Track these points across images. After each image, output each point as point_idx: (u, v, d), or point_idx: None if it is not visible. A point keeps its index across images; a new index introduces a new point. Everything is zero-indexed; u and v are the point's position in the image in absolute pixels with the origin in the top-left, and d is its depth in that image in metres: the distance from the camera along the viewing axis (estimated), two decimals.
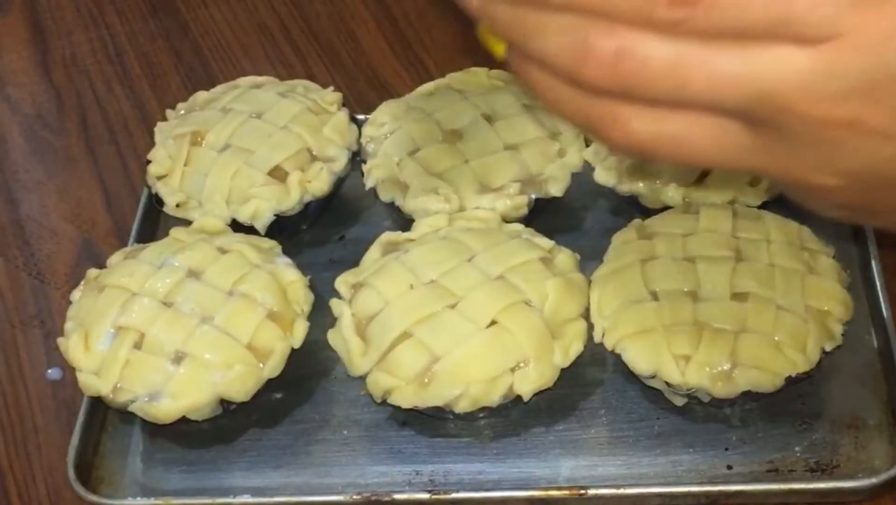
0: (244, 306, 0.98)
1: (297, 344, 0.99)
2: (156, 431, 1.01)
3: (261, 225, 1.09)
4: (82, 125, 1.37)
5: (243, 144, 1.10)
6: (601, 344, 0.96)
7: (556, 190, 1.07)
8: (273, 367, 0.97)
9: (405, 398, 0.93)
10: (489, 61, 1.22)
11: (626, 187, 1.06)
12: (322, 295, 1.03)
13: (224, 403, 0.97)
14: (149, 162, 1.14)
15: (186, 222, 1.09)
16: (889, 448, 0.93)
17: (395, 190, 1.09)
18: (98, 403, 0.99)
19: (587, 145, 1.10)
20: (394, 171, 1.09)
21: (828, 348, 0.92)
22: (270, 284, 1.00)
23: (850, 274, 0.98)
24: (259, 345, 0.97)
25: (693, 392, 0.93)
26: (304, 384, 1.04)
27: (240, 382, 0.95)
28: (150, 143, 1.16)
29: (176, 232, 1.07)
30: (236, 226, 1.09)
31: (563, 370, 0.94)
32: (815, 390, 0.97)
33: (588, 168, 1.09)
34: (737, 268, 0.95)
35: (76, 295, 1.03)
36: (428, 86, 1.18)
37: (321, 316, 1.01)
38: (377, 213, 1.15)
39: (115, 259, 1.05)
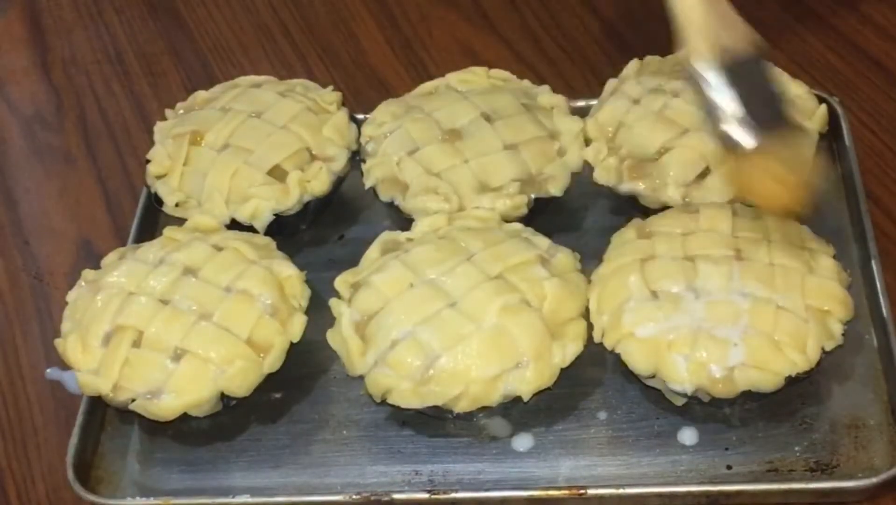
0: (242, 302, 0.98)
1: (295, 338, 0.99)
2: (155, 430, 1.01)
3: (260, 224, 1.09)
4: (82, 125, 1.37)
5: (243, 144, 1.10)
6: (601, 344, 0.96)
7: (555, 190, 1.07)
8: (273, 361, 0.97)
9: (405, 398, 0.93)
10: (489, 61, 1.22)
11: (626, 187, 1.06)
12: (321, 295, 1.03)
13: (224, 398, 0.97)
14: (148, 162, 1.14)
15: (185, 222, 1.09)
16: (889, 448, 0.93)
17: (395, 189, 1.09)
18: (97, 402, 1.00)
19: (587, 145, 1.10)
20: (393, 170, 1.09)
21: (828, 348, 0.92)
22: (267, 280, 1.00)
23: (850, 274, 0.98)
24: (258, 339, 0.97)
25: (693, 392, 0.93)
26: (304, 384, 1.04)
27: (241, 377, 0.96)
28: (150, 143, 1.16)
29: (170, 231, 1.07)
30: (236, 225, 1.09)
31: (563, 370, 0.94)
32: (815, 390, 0.97)
33: (588, 168, 1.09)
34: (736, 267, 0.94)
35: (72, 296, 1.03)
36: (428, 85, 1.18)
37: (320, 316, 1.01)
38: (377, 212, 1.15)
39: (109, 259, 1.05)
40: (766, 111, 0.88)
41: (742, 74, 0.88)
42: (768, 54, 0.90)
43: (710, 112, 0.89)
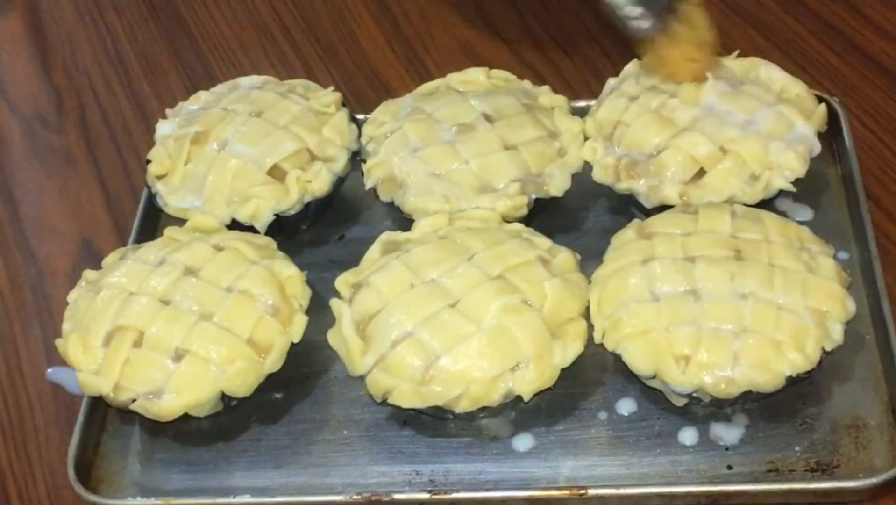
0: (243, 302, 0.98)
1: (296, 338, 0.99)
2: (155, 430, 1.01)
3: (261, 225, 1.09)
4: (82, 125, 1.37)
5: (243, 144, 1.10)
6: (601, 344, 0.96)
7: (556, 190, 1.07)
8: (274, 361, 0.97)
9: (405, 398, 0.93)
10: (489, 61, 1.22)
11: (624, 185, 1.06)
12: (322, 295, 1.03)
13: (225, 398, 0.97)
14: (149, 162, 1.14)
15: (185, 222, 1.09)
16: (889, 448, 0.93)
17: (395, 190, 1.09)
18: (98, 403, 1.00)
19: None
20: (394, 170, 1.09)
21: (828, 348, 0.92)
22: (268, 280, 1.00)
23: (850, 274, 0.98)
24: (259, 340, 0.97)
25: (693, 392, 0.93)
26: (305, 384, 1.04)
27: (241, 377, 0.96)
28: (150, 143, 1.16)
29: (171, 231, 1.07)
30: (236, 225, 1.09)
31: (563, 370, 0.94)
32: (815, 390, 0.97)
33: (588, 168, 1.09)
34: (736, 268, 0.94)
35: (73, 296, 1.03)
36: (428, 86, 1.18)
37: (321, 316, 1.01)
38: (377, 213, 1.15)
39: (110, 259, 1.05)
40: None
41: None
42: None
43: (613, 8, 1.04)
